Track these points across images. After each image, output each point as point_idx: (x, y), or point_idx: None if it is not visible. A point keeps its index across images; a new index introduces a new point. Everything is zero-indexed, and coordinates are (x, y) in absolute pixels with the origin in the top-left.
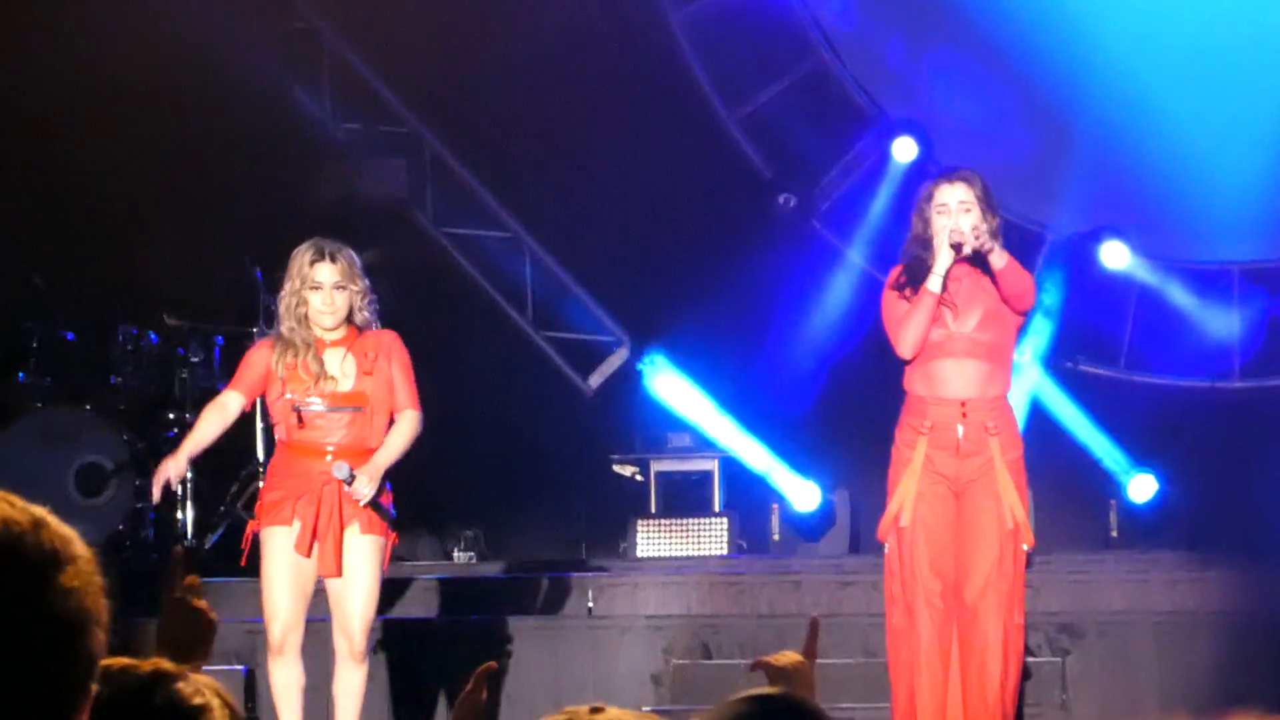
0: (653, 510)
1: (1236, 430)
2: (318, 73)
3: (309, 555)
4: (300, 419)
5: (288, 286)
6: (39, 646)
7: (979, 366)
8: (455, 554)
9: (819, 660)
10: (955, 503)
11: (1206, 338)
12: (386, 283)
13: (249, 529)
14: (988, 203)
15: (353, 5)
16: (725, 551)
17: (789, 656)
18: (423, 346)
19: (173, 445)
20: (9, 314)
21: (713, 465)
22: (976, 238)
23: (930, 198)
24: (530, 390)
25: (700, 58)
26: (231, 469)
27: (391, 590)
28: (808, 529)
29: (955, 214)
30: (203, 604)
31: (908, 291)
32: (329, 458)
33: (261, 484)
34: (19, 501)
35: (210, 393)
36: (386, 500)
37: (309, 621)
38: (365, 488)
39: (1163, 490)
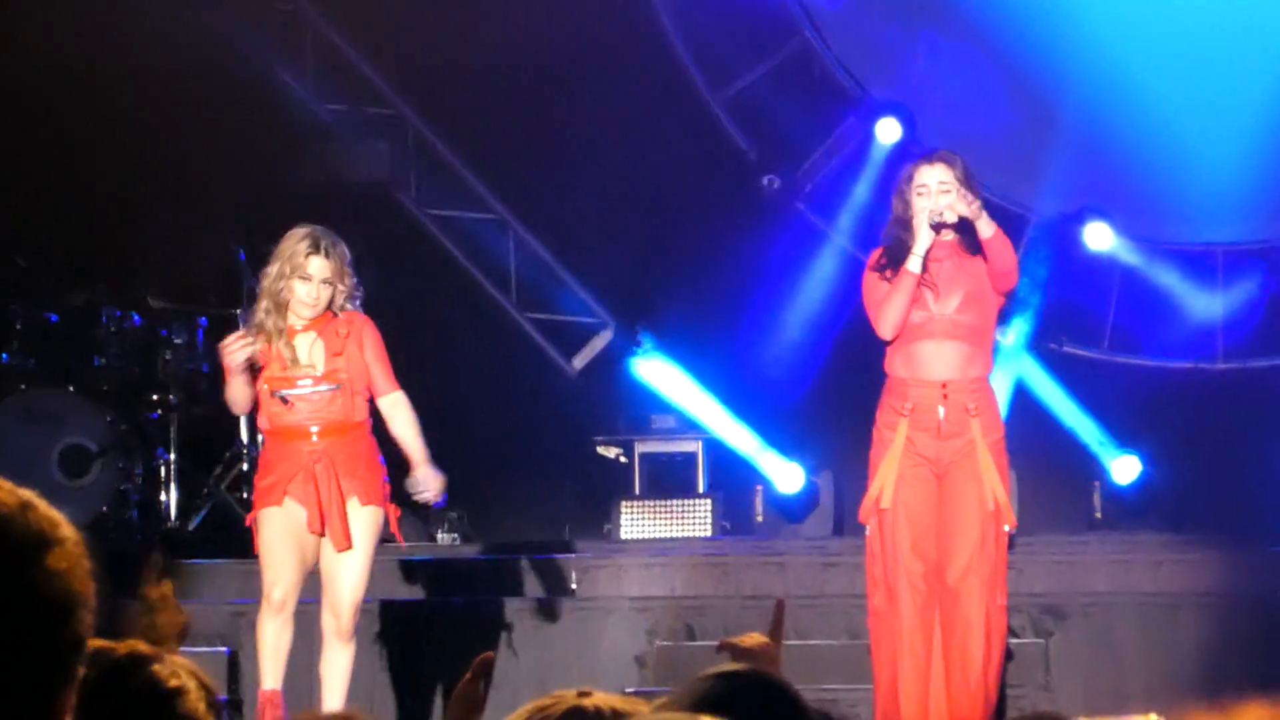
0: (637, 492)
1: (1220, 412)
2: (301, 54)
3: (322, 533)
4: (285, 402)
5: (275, 268)
6: (26, 628)
7: (960, 348)
8: (439, 536)
9: (804, 641)
10: (937, 484)
11: (1190, 319)
12: (371, 265)
13: (249, 521)
14: (968, 184)
15: None
16: (709, 533)
17: (754, 638)
18: (407, 328)
19: (157, 427)
20: None
21: (697, 447)
22: (968, 204)
23: (910, 179)
24: (514, 372)
25: (684, 39)
26: (215, 451)
27: (375, 572)
28: (791, 511)
29: (935, 195)
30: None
31: (888, 273)
32: (314, 437)
33: (246, 466)
34: (6, 484)
35: (194, 374)
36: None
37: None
38: (440, 489)
39: (1146, 472)
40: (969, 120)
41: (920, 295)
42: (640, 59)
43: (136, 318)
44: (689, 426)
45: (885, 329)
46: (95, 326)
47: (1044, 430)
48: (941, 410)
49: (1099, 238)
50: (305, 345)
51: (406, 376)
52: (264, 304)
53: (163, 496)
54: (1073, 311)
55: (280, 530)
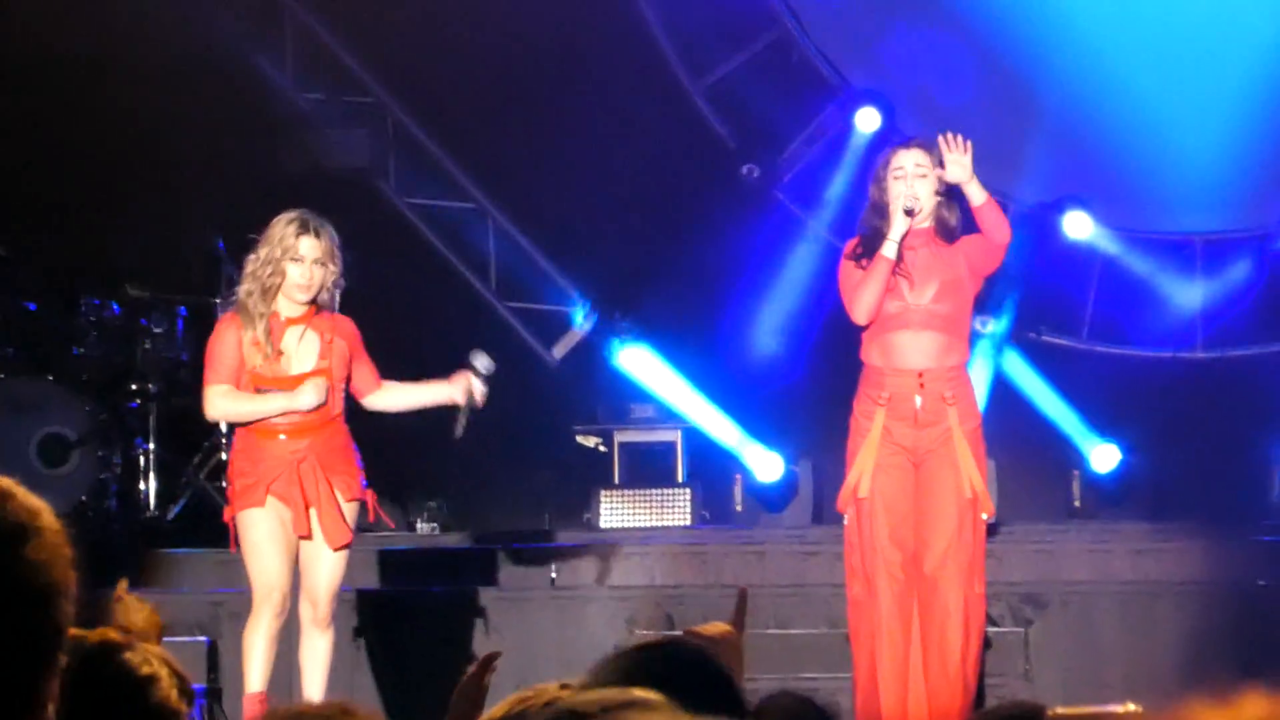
0: (616, 481)
1: (1200, 401)
2: (280, 42)
3: (309, 535)
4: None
5: (263, 253)
6: (6, 618)
7: (936, 338)
8: (418, 525)
9: (784, 630)
10: (914, 473)
11: (1169, 308)
12: (350, 254)
13: (226, 515)
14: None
15: None
16: (688, 522)
17: (717, 627)
18: (385, 317)
19: (136, 416)
20: None
21: (676, 436)
22: (962, 169)
23: (886, 164)
24: (493, 360)
25: (664, 27)
26: (194, 440)
27: (355, 562)
28: (771, 500)
29: (911, 179)
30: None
31: (864, 261)
32: (295, 435)
33: (224, 455)
34: None
35: (173, 364)
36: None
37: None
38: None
39: (1125, 460)
40: (948, 109)
41: (896, 285)
42: (620, 47)
43: (115, 307)
44: (668, 416)
45: (860, 314)
46: (74, 316)
47: (1023, 419)
48: (918, 399)
49: (1078, 226)
50: (294, 339)
51: (385, 365)
52: (247, 287)
53: (142, 486)
54: (1052, 300)
55: (269, 533)
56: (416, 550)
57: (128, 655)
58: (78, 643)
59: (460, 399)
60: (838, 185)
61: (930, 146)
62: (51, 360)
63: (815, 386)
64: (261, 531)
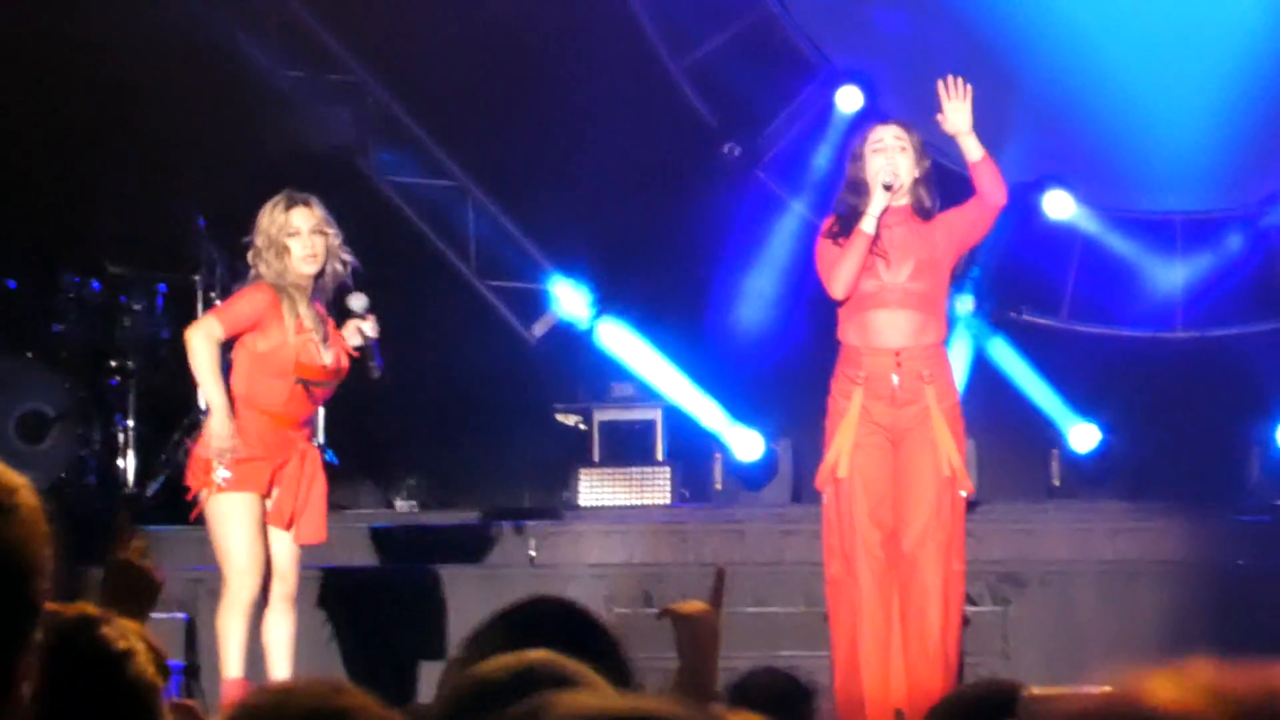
0: (595, 459)
1: (1179, 380)
2: (262, 20)
3: (289, 528)
4: (308, 391)
5: (260, 241)
6: None
7: (913, 316)
8: (397, 503)
9: (762, 609)
10: (892, 452)
11: (1150, 288)
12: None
13: (207, 487)
14: (922, 148)
15: None
16: (668, 500)
17: (695, 605)
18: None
19: (115, 393)
20: None
21: (655, 414)
22: (961, 117)
23: (865, 138)
24: (473, 339)
25: (646, 5)
26: (174, 417)
27: (333, 539)
28: (750, 478)
29: (891, 152)
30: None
31: (841, 239)
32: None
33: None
34: None
35: (153, 341)
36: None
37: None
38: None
39: (1105, 440)
40: (929, 88)
41: (872, 264)
42: (601, 25)
43: (95, 284)
44: (648, 394)
45: (837, 289)
46: (54, 293)
47: (1003, 398)
48: (895, 378)
49: (1059, 206)
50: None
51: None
52: (264, 274)
53: (121, 463)
54: (1032, 279)
55: (258, 519)
56: (395, 528)
57: (105, 630)
58: (54, 617)
59: (357, 341)
60: (819, 164)
61: (910, 124)
62: (31, 337)
63: (795, 365)
64: (253, 517)
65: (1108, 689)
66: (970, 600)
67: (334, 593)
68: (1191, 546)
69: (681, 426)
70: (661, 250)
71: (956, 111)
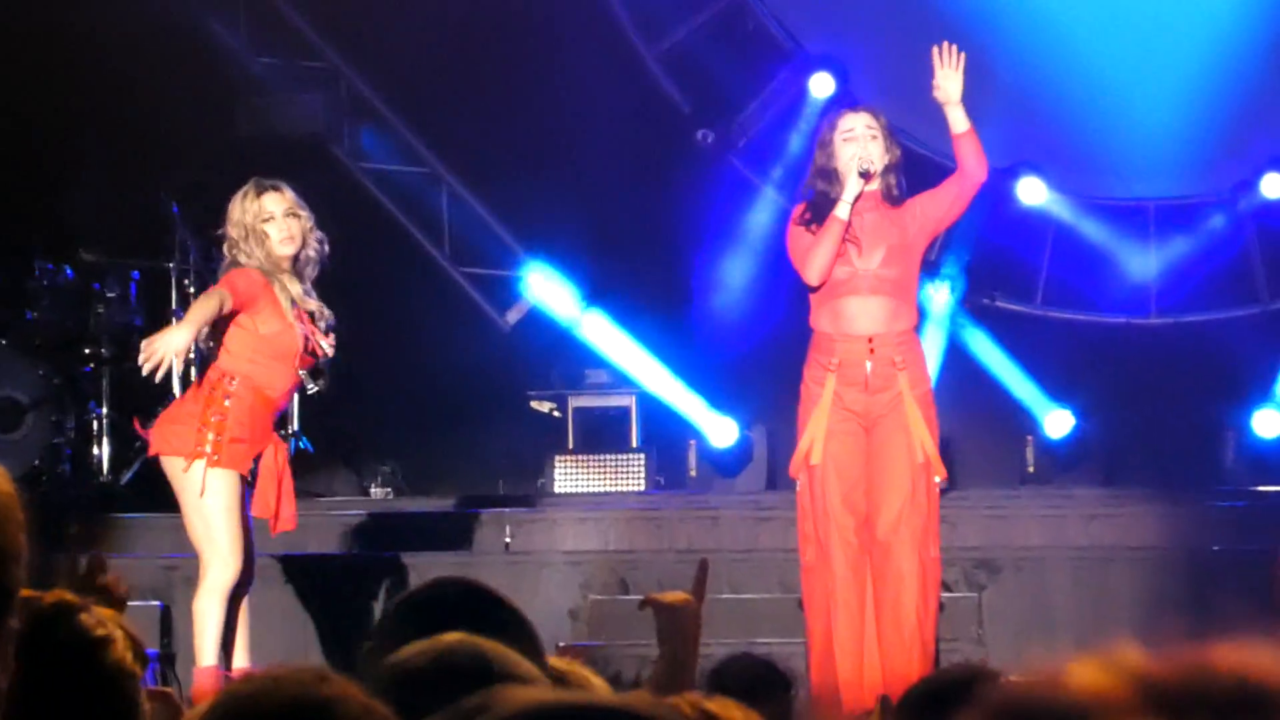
0: (570, 446)
1: (1152, 366)
2: (234, 6)
3: (273, 516)
4: (314, 377)
5: (235, 232)
6: None
7: (885, 303)
8: (372, 490)
9: (737, 595)
10: (865, 438)
11: (1123, 274)
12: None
13: (210, 461)
14: (892, 135)
15: None
16: (642, 487)
17: (677, 595)
18: (339, 282)
19: (89, 380)
20: None
21: (630, 401)
22: (953, 86)
23: (835, 127)
24: (447, 325)
25: None
26: (148, 405)
27: (309, 526)
28: (725, 465)
29: (863, 140)
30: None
31: (814, 226)
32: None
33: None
34: None
35: (127, 328)
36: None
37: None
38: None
39: (1079, 426)
40: (903, 75)
41: (844, 250)
42: (574, 12)
43: (69, 271)
44: (623, 381)
45: (813, 275)
46: (28, 280)
47: (977, 384)
48: (869, 365)
49: (1032, 192)
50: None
51: (339, 331)
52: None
53: (95, 450)
54: (1006, 266)
55: (239, 500)
56: (370, 515)
57: (83, 617)
58: (32, 603)
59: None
60: (792, 150)
61: (877, 110)
62: (4, 324)
63: (770, 352)
64: (235, 497)
65: (1025, 677)
66: (945, 586)
67: (309, 580)
68: (1166, 532)
69: (656, 413)
70: (635, 237)
71: (949, 79)
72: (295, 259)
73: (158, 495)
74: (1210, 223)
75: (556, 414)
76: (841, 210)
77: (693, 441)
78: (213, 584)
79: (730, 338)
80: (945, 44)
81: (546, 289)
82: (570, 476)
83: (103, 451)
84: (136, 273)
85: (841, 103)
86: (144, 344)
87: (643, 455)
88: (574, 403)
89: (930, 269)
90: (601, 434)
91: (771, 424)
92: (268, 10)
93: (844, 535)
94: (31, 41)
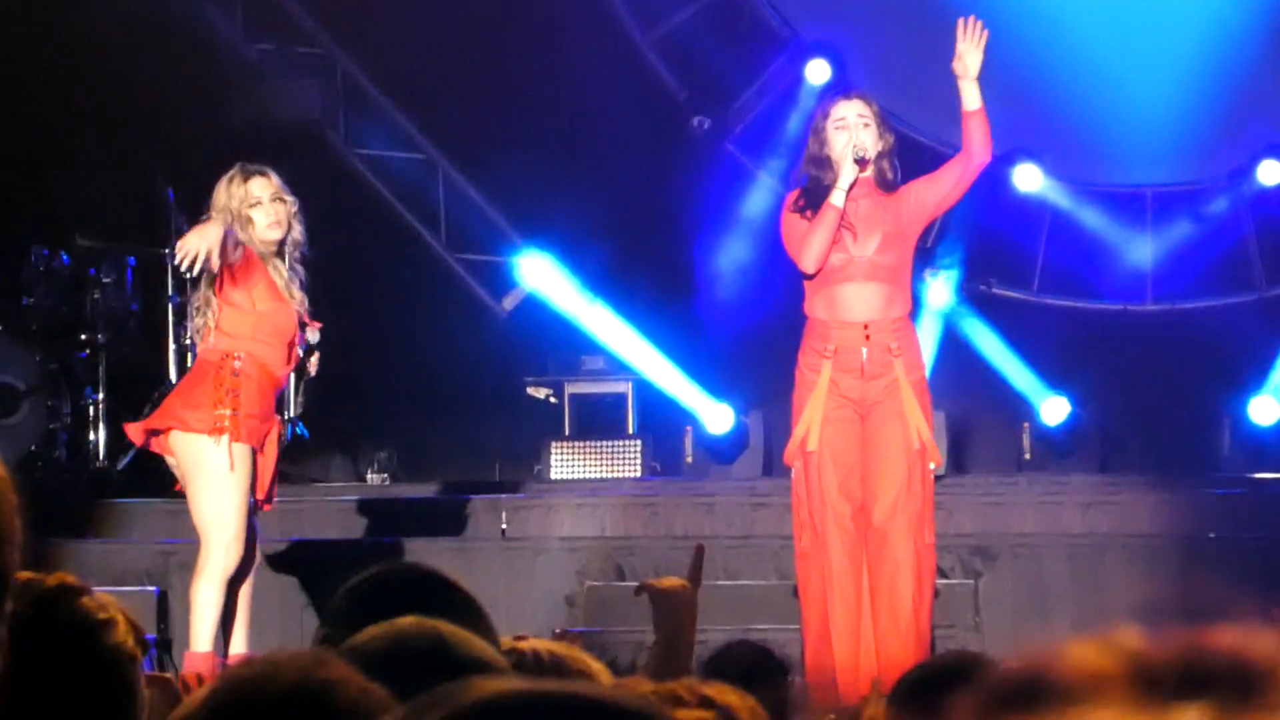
0: (566, 432)
1: (1149, 353)
2: None
3: (267, 497)
4: (308, 353)
5: (220, 218)
6: None
7: (880, 289)
8: (369, 475)
9: (733, 582)
10: (861, 425)
11: (1120, 261)
12: (300, 204)
13: (214, 421)
14: (884, 121)
15: None
16: (638, 474)
17: (673, 581)
18: (335, 268)
19: (85, 366)
20: None
21: (626, 387)
22: (974, 60)
23: (827, 115)
24: (443, 312)
25: None
26: (144, 390)
27: (304, 512)
28: (721, 451)
29: (855, 128)
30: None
31: (808, 213)
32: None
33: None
34: None
35: (123, 314)
36: None
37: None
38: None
39: (1075, 413)
40: (898, 61)
41: (840, 237)
42: None
43: (65, 257)
44: (619, 367)
45: (809, 262)
46: (23, 266)
47: (973, 371)
48: (864, 351)
49: (1028, 179)
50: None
51: (335, 317)
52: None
53: (91, 436)
54: (1002, 253)
55: (249, 476)
56: (367, 501)
57: (85, 600)
58: (34, 585)
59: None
60: (788, 137)
61: (869, 97)
62: (0, 310)
63: (766, 339)
64: (246, 474)
65: (1022, 659)
66: (941, 573)
67: (306, 566)
68: (1162, 519)
69: (652, 400)
70: (632, 223)
71: (970, 54)
72: (280, 244)
73: (153, 481)
74: (1207, 210)
75: (553, 400)
76: (837, 197)
77: (689, 428)
78: (214, 569)
79: (727, 324)
80: (971, 18)
81: (543, 275)
82: (566, 463)
83: (99, 437)
84: (132, 258)
85: (836, 89)
86: (178, 245)
87: (639, 441)
88: (570, 389)
89: (927, 256)
90: (598, 420)
91: (768, 410)
92: None
93: (840, 522)
94: (28, 29)
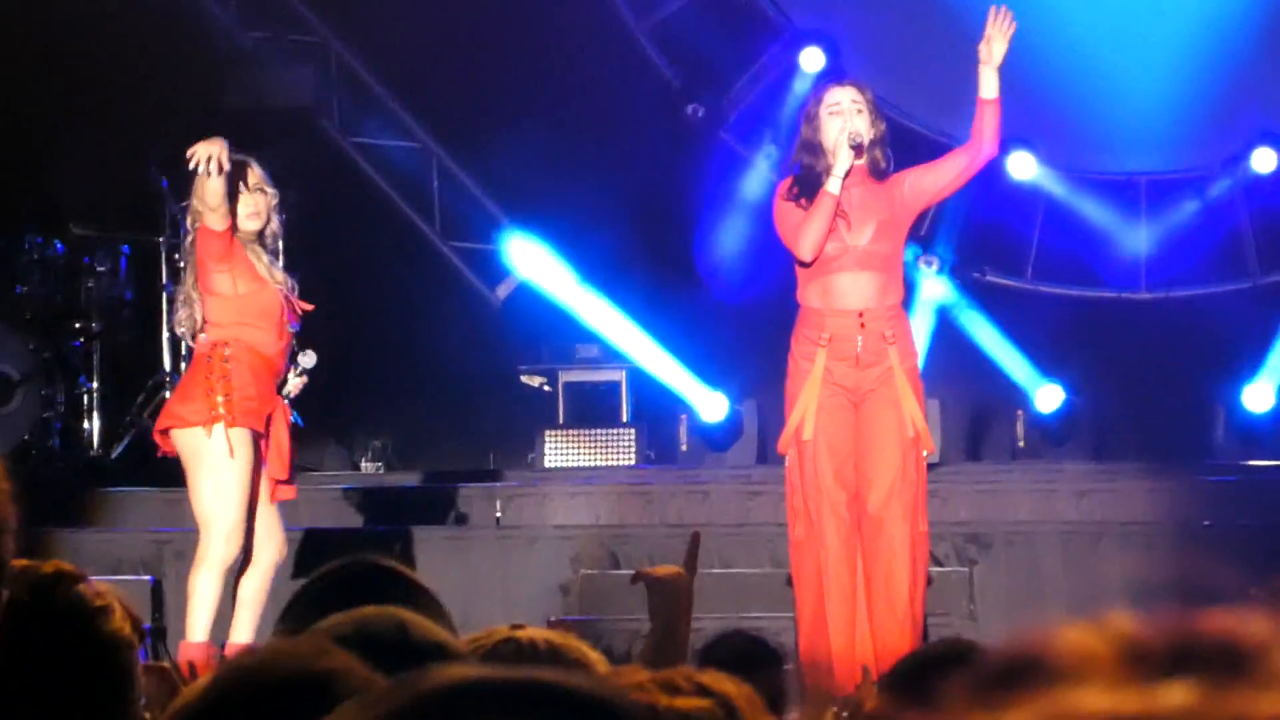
0: (560, 421)
1: (1143, 341)
2: None
3: (288, 478)
4: (288, 336)
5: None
6: None
7: (875, 277)
8: (363, 464)
9: (727, 570)
10: (854, 413)
11: (1114, 248)
12: (293, 191)
13: (209, 410)
14: (877, 109)
15: None
16: (633, 462)
17: (669, 569)
18: (329, 256)
19: (79, 355)
20: None
21: (620, 376)
22: (1000, 47)
23: (820, 101)
24: (438, 300)
25: None
26: (138, 379)
27: (300, 500)
28: (715, 439)
29: (849, 114)
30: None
31: (802, 201)
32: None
33: (168, 394)
34: None
35: (117, 302)
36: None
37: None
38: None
39: (1070, 401)
40: (893, 49)
41: (834, 226)
42: None
43: (59, 245)
44: (613, 356)
45: (806, 251)
46: (17, 254)
47: (967, 359)
48: (859, 340)
49: (1023, 167)
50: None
51: (328, 305)
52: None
53: (85, 425)
54: (996, 240)
55: (250, 461)
56: (361, 489)
57: (80, 587)
58: (30, 572)
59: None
60: (783, 125)
61: (862, 84)
62: None
63: (760, 327)
64: (246, 459)
65: (1012, 642)
66: (935, 560)
67: (301, 555)
68: (1156, 507)
69: (646, 388)
70: (626, 211)
71: (997, 41)
72: (260, 235)
73: (148, 470)
74: (1201, 197)
75: (547, 388)
76: (833, 185)
77: (683, 416)
78: (213, 559)
79: (721, 312)
80: (1003, 8)
81: (534, 262)
82: (560, 451)
83: (93, 426)
84: (127, 247)
85: (831, 77)
86: (189, 152)
87: (633, 430)
88: (564, 377)
89: (921, 244)
90: (592, 408)
91: (762, 399)
92: None
93: (836, 510)
94: (21, 15)
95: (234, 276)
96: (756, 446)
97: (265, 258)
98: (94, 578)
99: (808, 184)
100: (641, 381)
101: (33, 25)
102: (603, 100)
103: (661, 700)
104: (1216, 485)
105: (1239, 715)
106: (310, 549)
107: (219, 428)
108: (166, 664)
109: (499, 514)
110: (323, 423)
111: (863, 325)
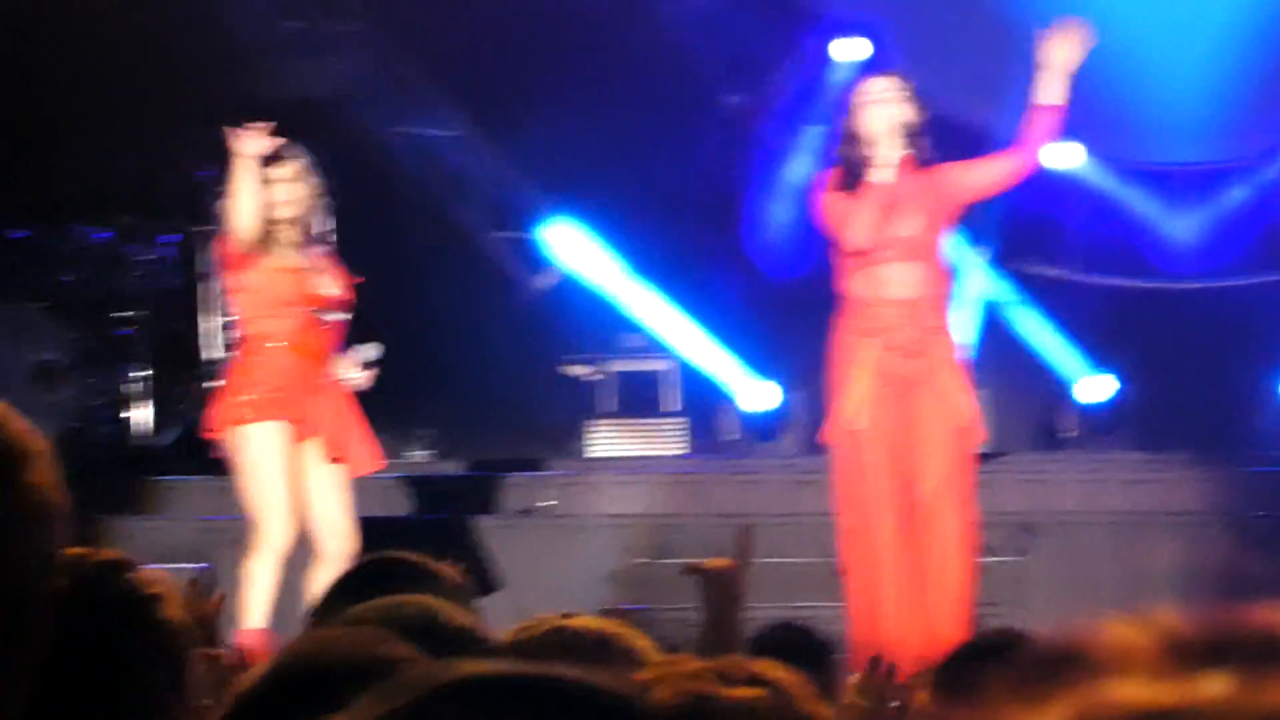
0: (607, 410)
1: (1191, 330)
2: None
3: (346, 460)
4: (313, 320)
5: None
6: (7, 541)
7: (920, 268)
8: (412, 453)
9: (777, 559)
10: (902, 403)
11: (1162, 238)
12: (332, 183)
13: (230, 424)
14: (919, 98)
15: None
16: (682, 451)
17: (721, 561)
18: (371, 247)
19: (126, 343)
20: None
21: (668, 365)
22: (1075, 51)
23: (860, 91)
24: (482, 289)
25: None
26: (183, 366)
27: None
28: (765, 428)
29: (889, 104)
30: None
31: (845, 191)
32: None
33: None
34: None
35: (164, 291)
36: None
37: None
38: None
39: (1118, 390)
40: (932, 40)
41: (879, 216)
42: None
43: (106, 234)
44: (659, 345)
45: (855, 240)
46: (64, 243)
47: (1015, 349)
48: (906, 329)
49: (1069, 157)
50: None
51: (371, 296)
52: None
53: (131, 413)
54: (1043, 231)
55: (283, 452)
56: (412, 478)
57: (134, 574)
58: (84, 560)
59: (354, 375)
60: (821, 114)
61: (905, 74)
62: (42, 287)
63: (807, 315)
64: (284, 447)
65: (1055, 635)
66: (985, 550)
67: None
68: (1205, 497)
69: (695, 377)
70: (669, 200)
71: (1077, 45)
72: (297, 222)
73: (199, 458)
74: (1248, 187)
75: (597, 377)
76: (881, 174)
77: (732, 405)
78: (259, 545)
79: (768, 300)
80: (1085, 24)
81: (575, 250)
82: (609, 440)
83: (140, 414)
84: (173, 235)
85: (869, 67)
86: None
87: (681, 419)
88: (611, 367)
89: (967, 234)
90: (639, 398)
91: (811, 388)
92: None
93: (889, 500)
94: (65, 8)
95: (246, 276)
96: (806, 436)
97: (297, 242)
98: (147, 566)
99: (851, 174)
100: (690, 370)
101: (79, 18)
102: (642, 90)
103: (717, 690)
104: (1265, 476)
105: (1277, 706)
106: (360, 538)
107: (243, 428)
108: (220, 651)
109: (549, 503)
110: (369, 412)
111: (910, 315)
